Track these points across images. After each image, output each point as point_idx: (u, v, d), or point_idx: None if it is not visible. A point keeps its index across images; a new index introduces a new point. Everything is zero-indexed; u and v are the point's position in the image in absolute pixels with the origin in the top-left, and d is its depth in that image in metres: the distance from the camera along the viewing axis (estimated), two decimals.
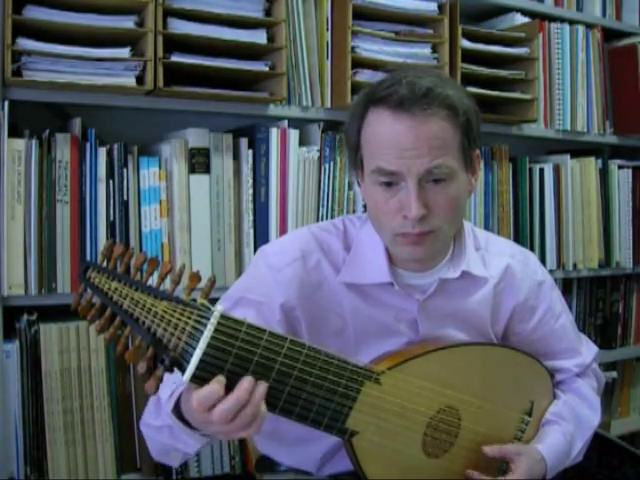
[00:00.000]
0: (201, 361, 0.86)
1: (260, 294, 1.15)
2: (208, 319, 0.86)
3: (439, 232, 1.09)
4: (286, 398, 0.96)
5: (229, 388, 0.88)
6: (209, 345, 0.86)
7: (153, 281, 0.89)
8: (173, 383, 1.00)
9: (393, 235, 1.10)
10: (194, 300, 0.88)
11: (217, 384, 0.87)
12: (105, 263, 0.92)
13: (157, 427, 1.04)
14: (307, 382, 0.96)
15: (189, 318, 0.87)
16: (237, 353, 0.89)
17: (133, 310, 0.87)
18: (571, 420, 1.25)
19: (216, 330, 0.87)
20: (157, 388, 0.88)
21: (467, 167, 1.11)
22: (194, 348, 0.86)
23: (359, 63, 1.83)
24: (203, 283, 0.89)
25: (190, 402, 0.88)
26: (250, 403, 0.88)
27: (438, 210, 1.06)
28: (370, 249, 1.16)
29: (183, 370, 0.86)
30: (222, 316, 0.87)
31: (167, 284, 0.91)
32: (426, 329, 1.18)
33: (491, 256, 1.24)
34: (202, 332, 0.86)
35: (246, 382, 0.88)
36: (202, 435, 0.99)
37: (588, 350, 1.35)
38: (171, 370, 0.87)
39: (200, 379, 0.87)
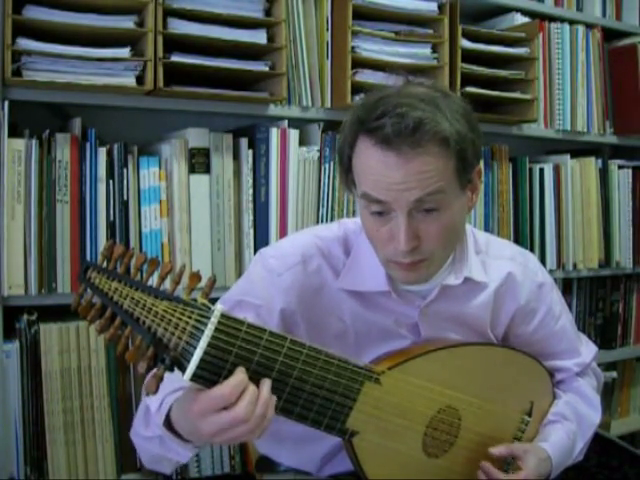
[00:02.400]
0: (202, 360, 0.86)
1: (259, 298, 1.14)
2: (209, 318, 0.86)
3: (432, 258, 1.07)
4: (286, 398, 0.96)
5: None
6: (210, 344, 0.86)
7: (153, 281, 0.89)
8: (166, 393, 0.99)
9: (386, 260, 1.09)
10: (194, 300, 0.88)
11: (227, 387, 0.86)
12: (105, 263, 0.92)
13: (147, 437, 1.04)
14: (307, 382, 0.96)
15: (190, 318, 0.86)
16: (237, 352, 0.89)
17: (133, 310, 0.87)
18: (573, 419, 1.25)
19: (217, 329, 0.87)
20: (157, 388, 0.88)
21: (464, 188, 1.07)
22: (195, 347, 0.86)
23: (359, 63, 1.82)
24: (203, 283, 0.89)
25: (197, 404, 0.87)
26: (259, 402, 0.88)
27: (430, 239, 1.04)
28: (368, 257, 1.15)
29: (183, 370, 0.86)
30: (222, 315, 0.87)
31: (167, 284, 0.91)
32: (427, 333, 1.17)
33: (491, 260, 1.23)
34: (203, 331, 0.86)
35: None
36: (194, 446, 0.98)
37: (588, 350, 1.35)
38: (172, 370, 0.87)
39: (201, 378, 0.87)
